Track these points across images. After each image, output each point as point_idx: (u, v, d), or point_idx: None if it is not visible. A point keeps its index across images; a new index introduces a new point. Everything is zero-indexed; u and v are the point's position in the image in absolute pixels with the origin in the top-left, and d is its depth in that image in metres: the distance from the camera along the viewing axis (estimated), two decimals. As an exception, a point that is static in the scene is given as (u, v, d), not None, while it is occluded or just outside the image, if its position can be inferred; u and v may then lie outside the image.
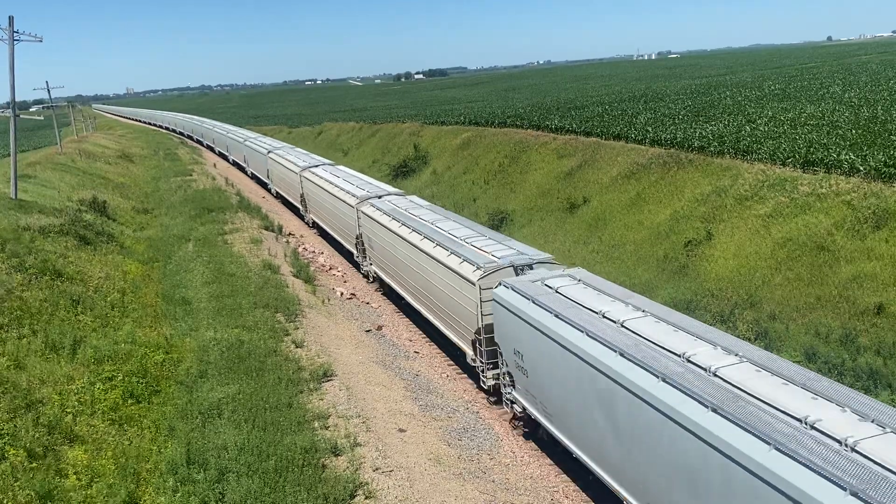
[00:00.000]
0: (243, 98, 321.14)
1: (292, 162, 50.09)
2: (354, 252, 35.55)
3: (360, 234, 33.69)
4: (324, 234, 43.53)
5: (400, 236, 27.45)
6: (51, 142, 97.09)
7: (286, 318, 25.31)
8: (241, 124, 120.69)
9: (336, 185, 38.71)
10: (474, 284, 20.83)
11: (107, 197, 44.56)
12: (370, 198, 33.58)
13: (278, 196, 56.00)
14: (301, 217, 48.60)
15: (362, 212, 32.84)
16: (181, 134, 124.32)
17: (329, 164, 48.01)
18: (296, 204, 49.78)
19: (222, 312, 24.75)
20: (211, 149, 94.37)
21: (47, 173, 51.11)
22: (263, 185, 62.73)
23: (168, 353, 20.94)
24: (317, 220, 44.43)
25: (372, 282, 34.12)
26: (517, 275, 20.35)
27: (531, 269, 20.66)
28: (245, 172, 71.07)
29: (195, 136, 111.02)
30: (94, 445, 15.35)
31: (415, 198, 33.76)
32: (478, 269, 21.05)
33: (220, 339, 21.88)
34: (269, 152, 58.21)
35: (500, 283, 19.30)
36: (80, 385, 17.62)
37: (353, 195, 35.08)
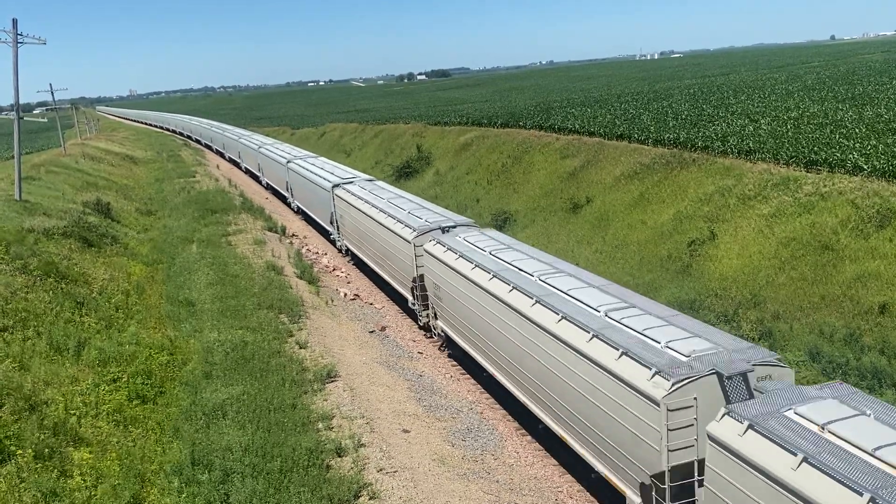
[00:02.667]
0: (246, 99, 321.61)
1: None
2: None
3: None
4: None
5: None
6: (54, 144, 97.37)
7: (290, 319, 25.34)
8: (244, 125, 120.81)
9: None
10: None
11: (110, 199, 44.65)
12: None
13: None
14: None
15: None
16: (189, 138, 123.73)
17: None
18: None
19: (226, 313, 24.78)
20: (221, 154, 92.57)
21: (51, 175, 51.23)
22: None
23: (172, 354, 20.97)
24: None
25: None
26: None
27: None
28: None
29: (206, 143, 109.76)
30: (99, 446, 15.38)
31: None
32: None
33: (224, 341, 21.92)
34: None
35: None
36: (84, 386, 17.66)
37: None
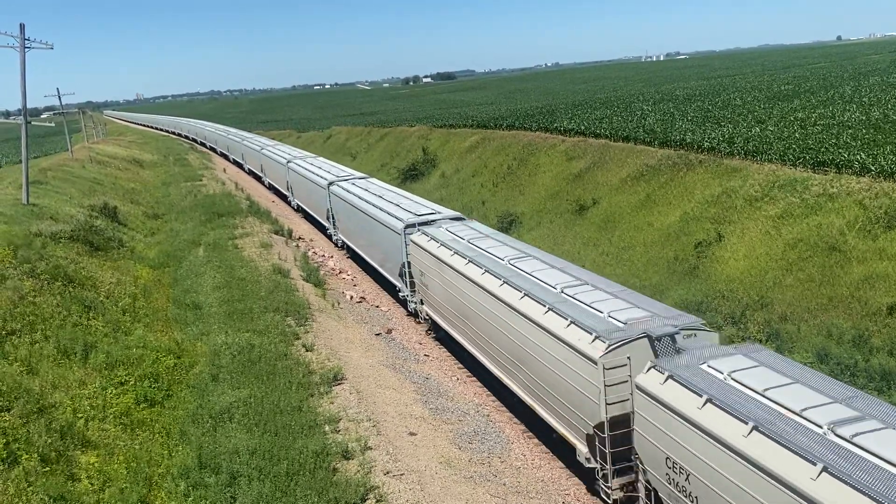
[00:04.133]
0: (252, 103, 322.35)
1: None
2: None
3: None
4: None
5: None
6: (62, 148, 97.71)
7: (296, 322, 25.37)
8: (249, 129, 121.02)
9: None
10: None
11: (117, 202, 44.79)
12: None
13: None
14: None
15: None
16: (195, 142, 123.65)
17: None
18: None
19: (233, 316, 24.82)
20: (225, 156, 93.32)
21: (58, 179, 51.44)
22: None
23: (179, 357, 21.02)
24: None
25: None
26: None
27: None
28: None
29: (211, 145, 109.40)
30: (107, 450, 15.42)
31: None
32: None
33: (230, 343, 21.94)
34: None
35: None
36: (92, 390, 17.71)
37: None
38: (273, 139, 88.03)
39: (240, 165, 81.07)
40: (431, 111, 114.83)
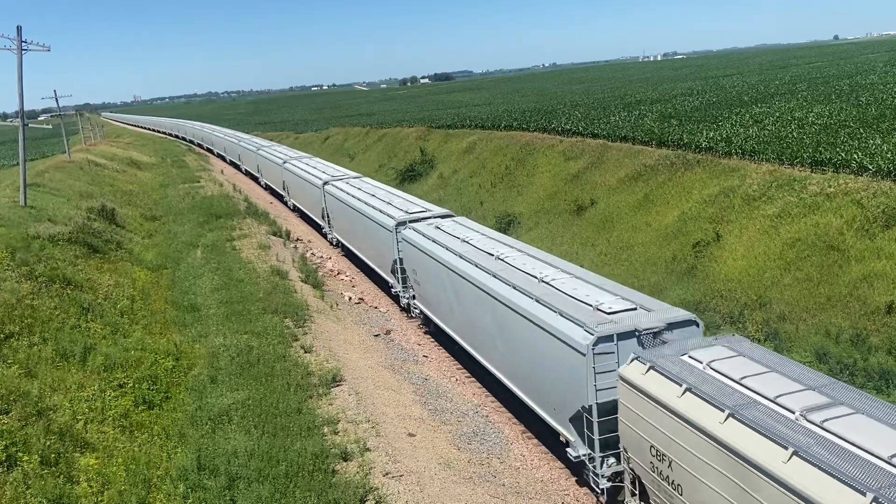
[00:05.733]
0: (250, 104, 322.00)
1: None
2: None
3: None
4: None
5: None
6: (59, 150, 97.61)
7: (295, 324, 25.35)
8: (247, 130, 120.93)
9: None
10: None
11: (115, 204, 44.72)
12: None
13: (295, 209, 53.13)
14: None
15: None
16: (192, 143, 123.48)
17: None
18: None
19: (231, 318, 24.80)
20: (222, 157, 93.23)
21: (56, 181, 51.37)
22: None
23: (178, 359, 20.99)
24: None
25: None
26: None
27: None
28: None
29: (207, 146, 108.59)
30: (105, 452, 15.39)
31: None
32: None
33: (229, 345, 21.93)
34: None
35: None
36: (90, 392, 17.68)
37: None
38: (271, 140, 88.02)
39: (237, 167, 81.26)
40: (429, 112, 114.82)
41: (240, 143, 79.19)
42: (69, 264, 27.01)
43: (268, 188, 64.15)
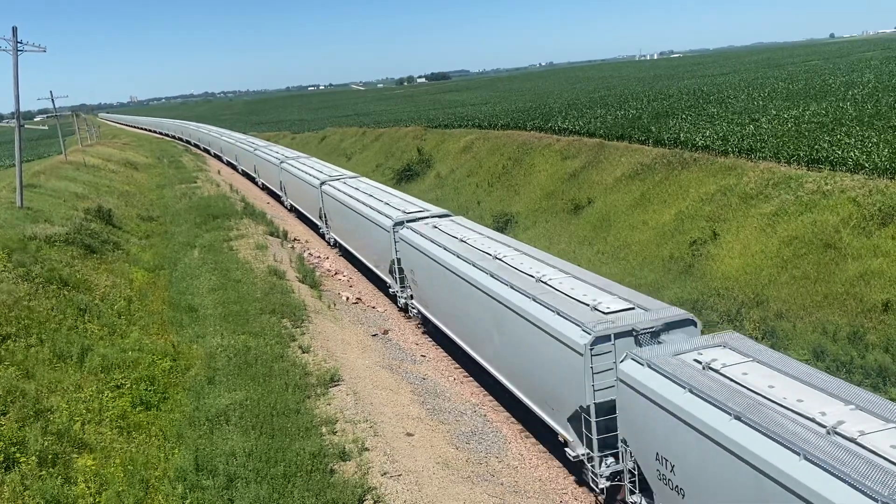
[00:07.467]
0: (247, 104, 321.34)
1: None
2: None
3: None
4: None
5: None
6: (55, 151, 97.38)
7: (292, 324, 25.33)
8: (244, 130, 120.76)
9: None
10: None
11: (112, 205, 44.65)
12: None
13: (292, 209, 53.26)
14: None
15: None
16: (189, 143, 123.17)
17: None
18: None
19: (229, 319, 24.78)
20: (219, 158, 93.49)
21: (52, 182, 51.27)
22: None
23: (175, 360, 20.96)
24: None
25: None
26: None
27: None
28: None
29: (204, 147, 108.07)
30: (103, 453, 15.37)
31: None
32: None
33: (226, 346, 21.91)
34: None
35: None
36: (88, 393, 17.65)
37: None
38: (267, 140, 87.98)
39: (234, 167, 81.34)
40: (426, 111, 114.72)
41: (237, 144, 79.30)
42: (66, 265, 26.97)
43: (265, 188, 64.22)
